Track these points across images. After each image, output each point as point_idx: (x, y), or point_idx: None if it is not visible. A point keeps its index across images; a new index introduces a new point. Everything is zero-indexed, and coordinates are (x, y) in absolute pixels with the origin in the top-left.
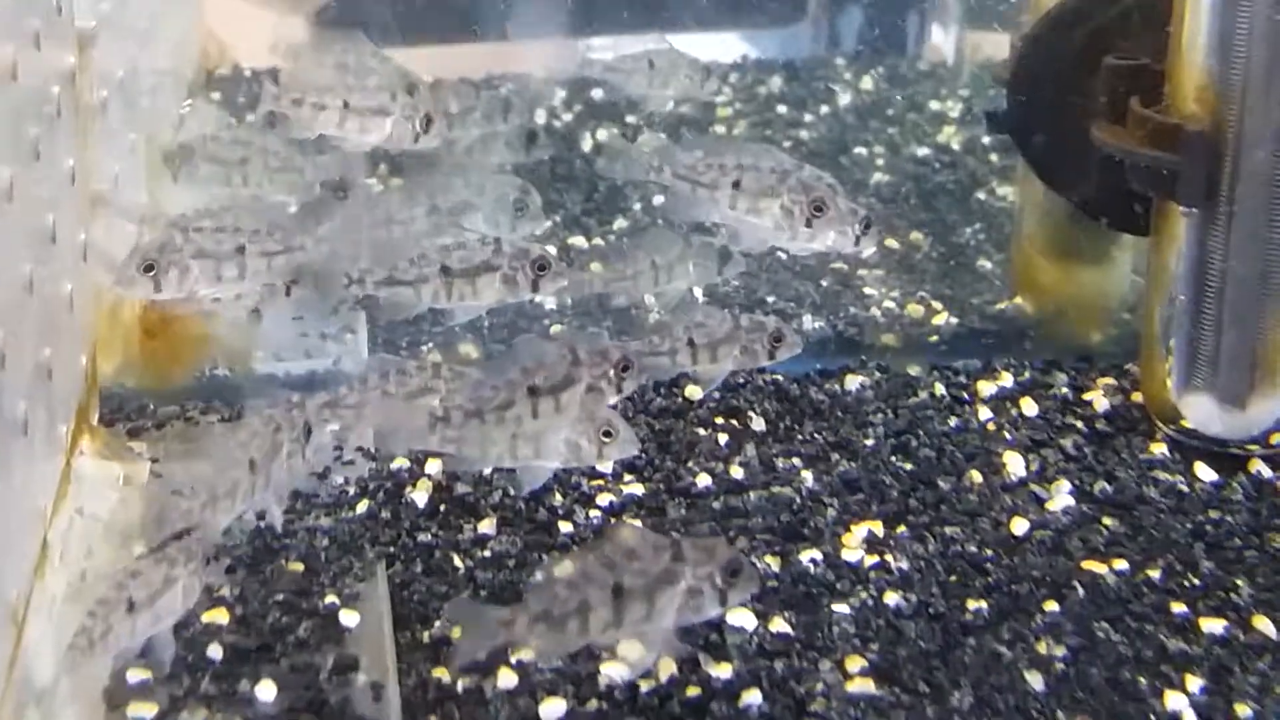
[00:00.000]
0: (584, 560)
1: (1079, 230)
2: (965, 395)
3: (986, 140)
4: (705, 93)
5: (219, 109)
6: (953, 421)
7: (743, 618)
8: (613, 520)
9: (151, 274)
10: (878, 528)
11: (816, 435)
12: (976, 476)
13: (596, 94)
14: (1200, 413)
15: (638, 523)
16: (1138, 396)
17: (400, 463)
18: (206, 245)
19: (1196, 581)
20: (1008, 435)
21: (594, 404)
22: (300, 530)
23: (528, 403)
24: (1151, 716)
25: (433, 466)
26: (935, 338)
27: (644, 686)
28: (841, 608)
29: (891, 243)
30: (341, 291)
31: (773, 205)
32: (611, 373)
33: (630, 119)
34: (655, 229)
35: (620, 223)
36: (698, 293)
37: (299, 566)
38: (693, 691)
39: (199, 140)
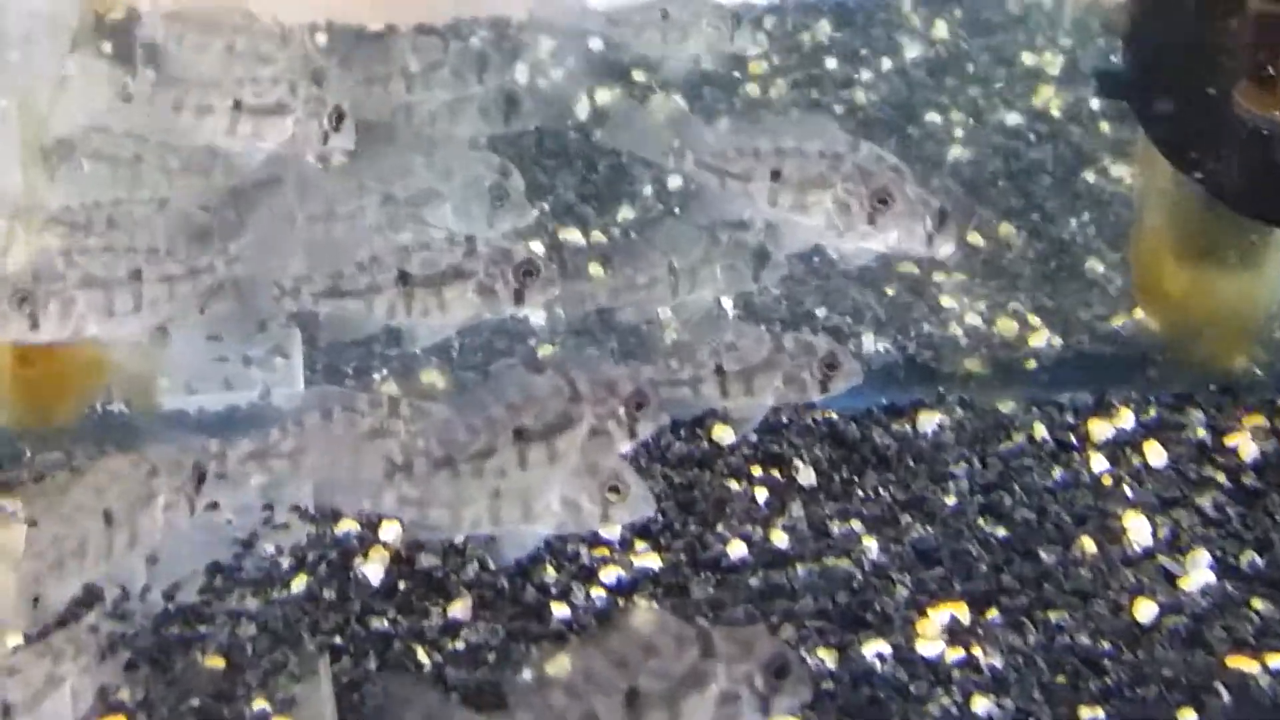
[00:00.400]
0: (586, 655)
1: (1218, 225)
2: (1073, 439)
3: (1096, 104)
4: (734, 45)
5: (111, 65)
6: (1058, 473)
7: None
8: (621, 602)
9: (27, 309)
10: (962, 612)
11: (882, 491)
12: (1089, 545)
13: (595, 44)
14: None
15: (654, 605)
16: None
17: (347, 526)
18: (94, 270)
19: None
20: (1129, 492)
21: (599, 451)
22: (219, 615)
23: (514, 449)
24: None
25: (389, 531)
26: (1033, 364)
27: None
28: (917, 718)
29: (975, 239)
30: (270, 305)
31: (823, 198)
32: (621, 411)
33: (638, 76)
34: (672, 221)
35: (626, 212)
36: (727, 304)
37: (219, 662)
38: None
39: (80, 131)
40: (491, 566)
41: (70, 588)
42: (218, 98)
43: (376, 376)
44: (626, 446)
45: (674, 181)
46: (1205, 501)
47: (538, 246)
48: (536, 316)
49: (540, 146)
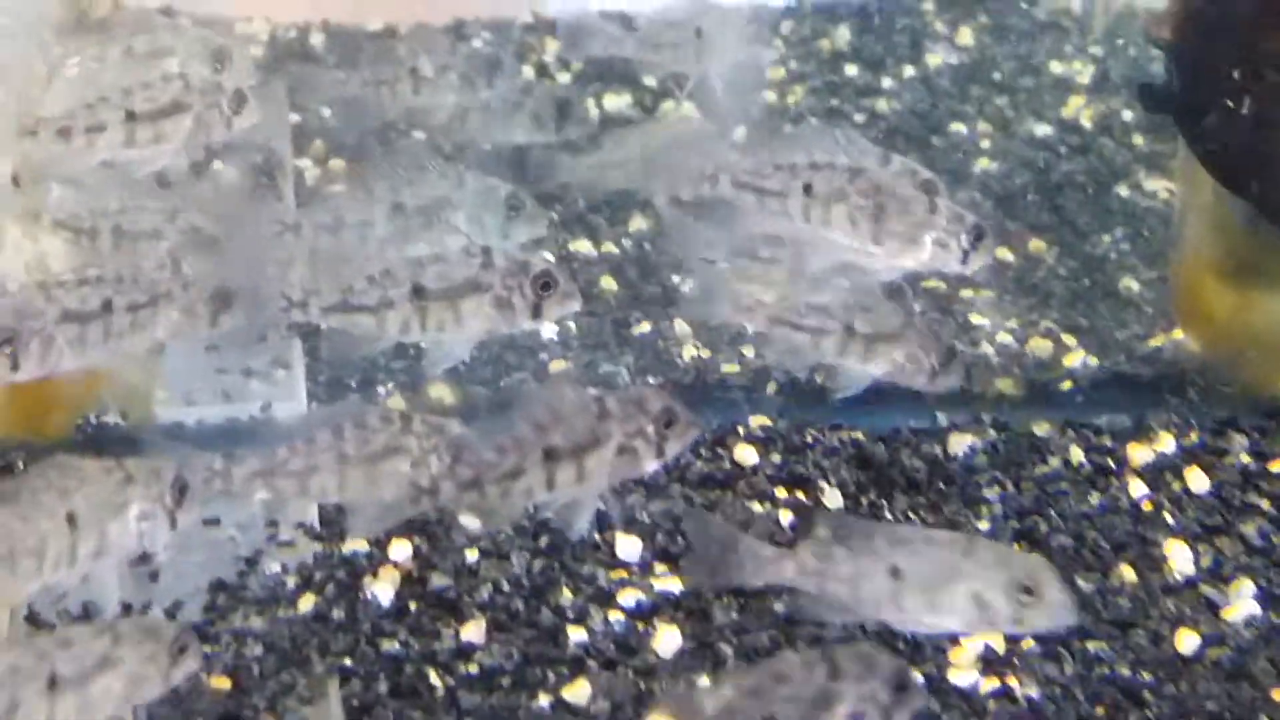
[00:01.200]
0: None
1: (1264, 243)
2: (1111, 463)
3: (1128, 116)
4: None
5: (99, 66)
6: (1095, 499)
7: None
8: (640, 626)
9: (8, 350)
10: (997, 642)
11: (911, 515)
12: (1129, 574)
13: (600, 48)
14: None
15: (675, 630)
16: None
17: (356, 545)
18: (71, 304)
19: None
20: (1170, 519)
21: (626, 468)
22: (224, 634)
23: (542, 469)
24: None
25: (399, 551)
26: (1069, 384)
27: None
28: None
29: (1005, 254)
30: (278, 315)
31: (848, 210)
32: (650, 429)
33: (648, 80)
34: None
35: (639, 223)
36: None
37: (225, 682)
38: None
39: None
40: (506, 587)
41: (22, 588)
42: (108, 112)
43: (382, 390)
44: (653, 465)
45: (685, 193)
46: (1250, 529)
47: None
48: (548, 330)
49: (549, 147)
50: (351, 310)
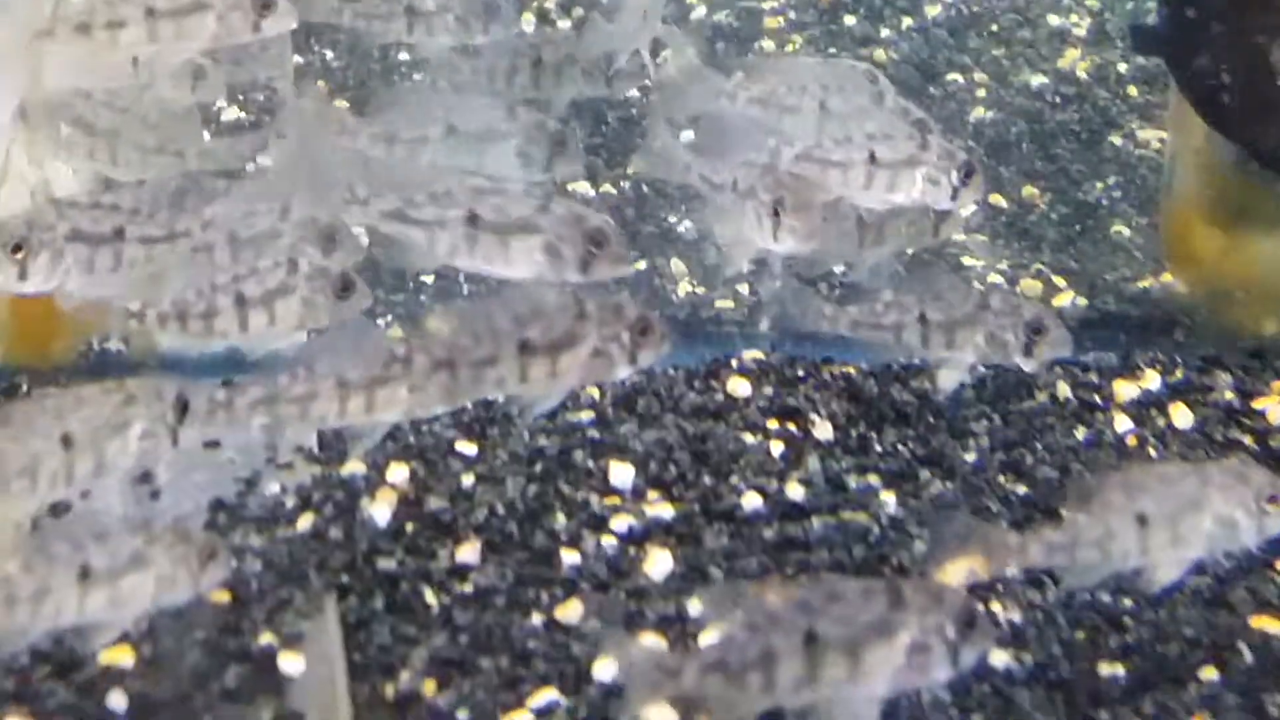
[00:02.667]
0: (770, 599)
1: (1253, 186)
2: (1098, 399)
3: (1123, 68)
4: None
5: None
6: (1081, 433)
7: None
8: (632, 549)
9: (18, 255)
10: (981, 568)
11: (900, 447)
12: None
13: None
14: None
15: (667, 553)
16: None
17: (354, 468)
18: (83, 224)
19: None
20: (1154, 453)
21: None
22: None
23: (517, 361)
24: None
25: (397, 473)
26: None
27: None
28: None
29: (998, 200)
30: (340, 209)
31: (850, 154)
32: (626, 335)
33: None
34: None
35: (638, 164)
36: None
37: (225, 596)
38: None
39: (64, 93)
40: (500, 510)
41: (20, 507)
42: (129, 8)
43: (381, 322)
44: (625, 370)
45: (685, 135)
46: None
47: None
48: None
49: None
50: (407, 221)
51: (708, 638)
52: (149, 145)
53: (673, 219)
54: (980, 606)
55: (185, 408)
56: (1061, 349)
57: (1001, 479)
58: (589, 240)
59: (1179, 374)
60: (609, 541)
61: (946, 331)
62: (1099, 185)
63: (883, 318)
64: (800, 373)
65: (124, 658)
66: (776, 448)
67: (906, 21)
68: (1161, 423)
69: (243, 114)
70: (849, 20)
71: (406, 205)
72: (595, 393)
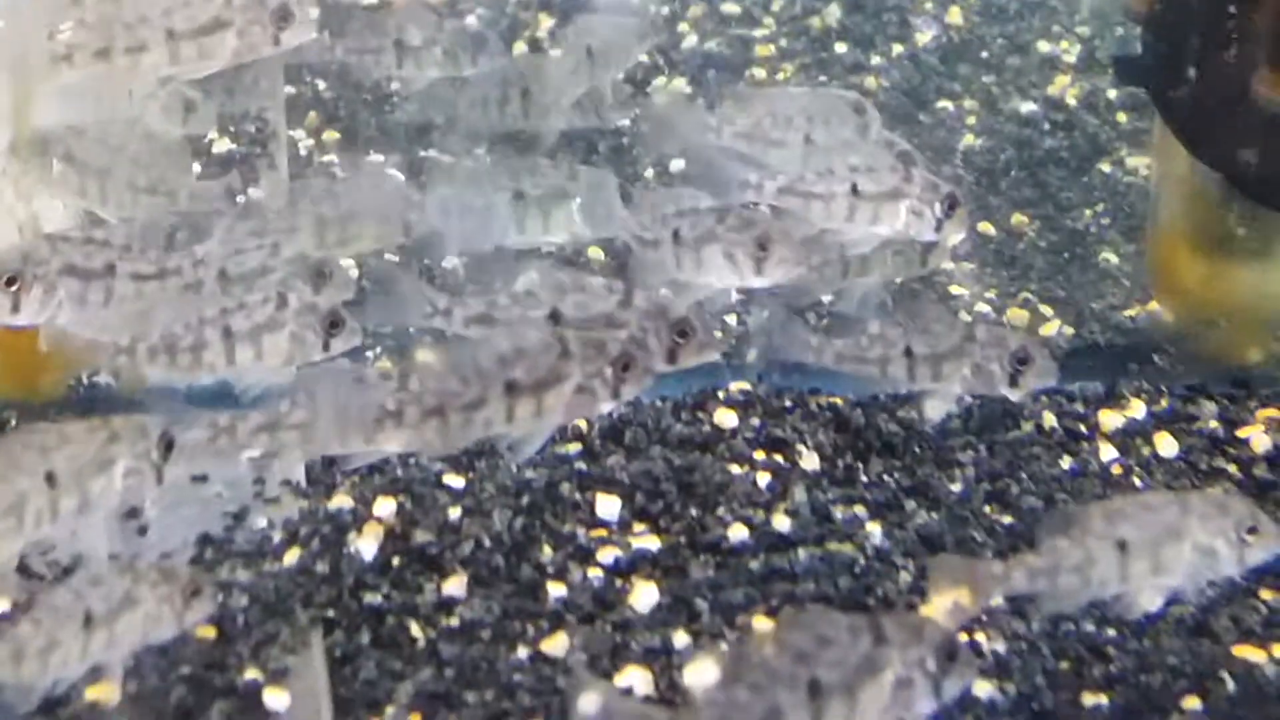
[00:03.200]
0: (765, 652)
1: (1235, 215)
2: (1083, 428)
3: (1113, 95)
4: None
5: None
6: (1066, 463)
7: None
8: (618, 582)
9: (12, 288)
10: (967, 599)
11: (887, 477)
12: None
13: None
14: None
15: (652, 586)
16: None
17: (341, 501)
18: (75, 259)
19: None
20: (1138, 482)
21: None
22: (211, 585)
23: (503, 402)
24: None
25: (384, 507)
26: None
27: None
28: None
29: (986, 228)
30: (420, 319)
31: (831, 187)
32: (609, 371)
33: (640, 58)
34: None
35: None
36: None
37: (210, 631)
38: None
39: (58, 127)
40: (486, 543)
41: (4, 545)
42: (149, 32)
43: (369, 355)
44: (609, 406)
45: (676, 164)
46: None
47: None
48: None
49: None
50: (493, 324)
51: (693, 672)
52: (140, 185)
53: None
54: (963, 637)
55: (170, 446)
56: (1047, 379)
57: (987, 509)
58: (673, 332)
59: (1164, 403)
60: (595, 574)
61: (932, 364)
62: (1088, 213)
63: (868, 351)
64: (788, 403)
65: (108, 694)
66: (763, 479)
67: (897, 48)
68: (1146, 451)
69: (234, 145)
70: (840, 48)
71: (491, 308)
72: (583, 424)
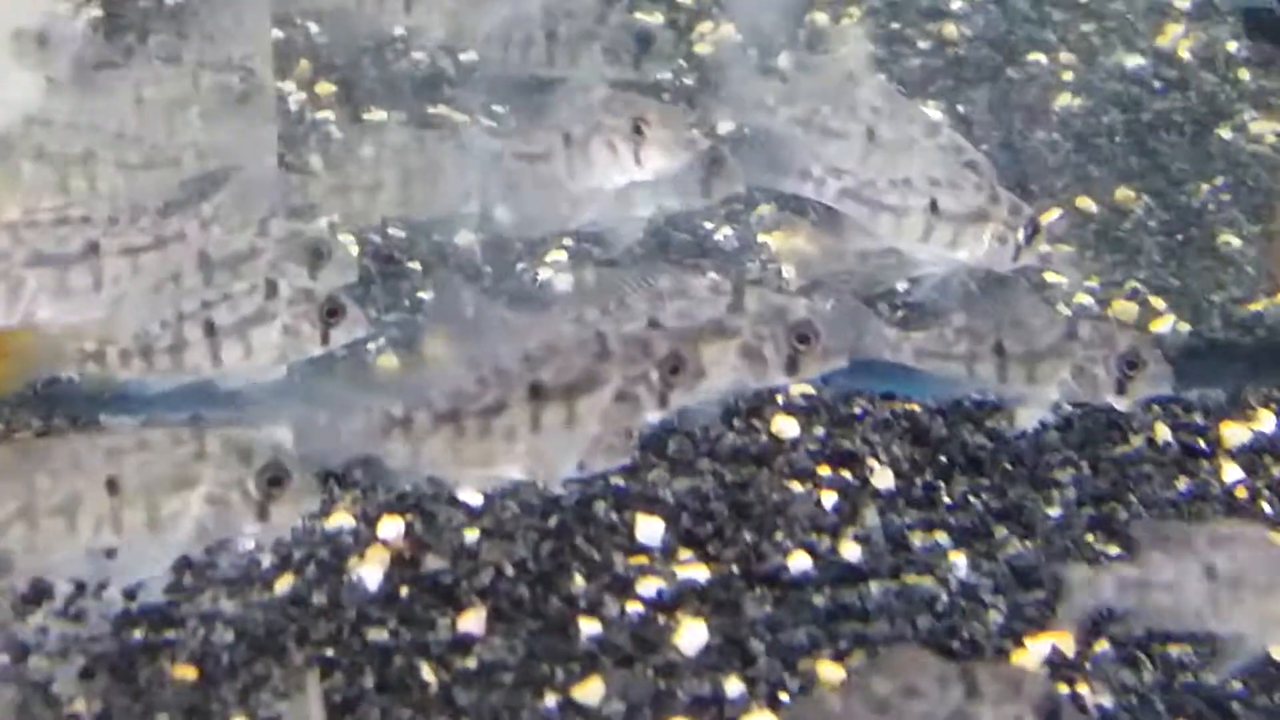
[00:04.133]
0: (847, 700)
1: None
2: (1202, 443)
3: (1233, 47)
4: None
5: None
6: (1183, 483)
7: None
8: (661, 618)
9: None
10: (1066, 643)
11: (972, 499)
12: None
13: None
14: None
15: (700, 624)
16: None
17: (341, 520)
18: (45, 245)
19: None
20: (1268, 507)
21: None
22: (190, 617)
23: (527, 407)
24: None
25: (390, 528)
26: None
27: None
28: None
29: (1086, 204)
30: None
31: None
32: (655, 375)
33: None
34: None
35: None
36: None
37: (190, 672)
38: None
39: (16, 126)
40: (509, 570)
41: (59, 550)
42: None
43: (371, 346)
44: (655, 416)
45: (724, 126)
46: None
47: None
48: (563, 282)
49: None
50: None
51: None
52: (132, 161)
53: (709, 226)
54: (1064, 689)
55: (277, 481)
56: (1160, 386)
57: (1090, 538)
58: (793, 337)
59: None
60: (634, 608)
61: (1027, 364)
62: (1204, 187)
63: (953, 347)
64: (856, 410)
65: None
66: (828, 499)
67: None
68: (1276, 471)
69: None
70: None
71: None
72: None
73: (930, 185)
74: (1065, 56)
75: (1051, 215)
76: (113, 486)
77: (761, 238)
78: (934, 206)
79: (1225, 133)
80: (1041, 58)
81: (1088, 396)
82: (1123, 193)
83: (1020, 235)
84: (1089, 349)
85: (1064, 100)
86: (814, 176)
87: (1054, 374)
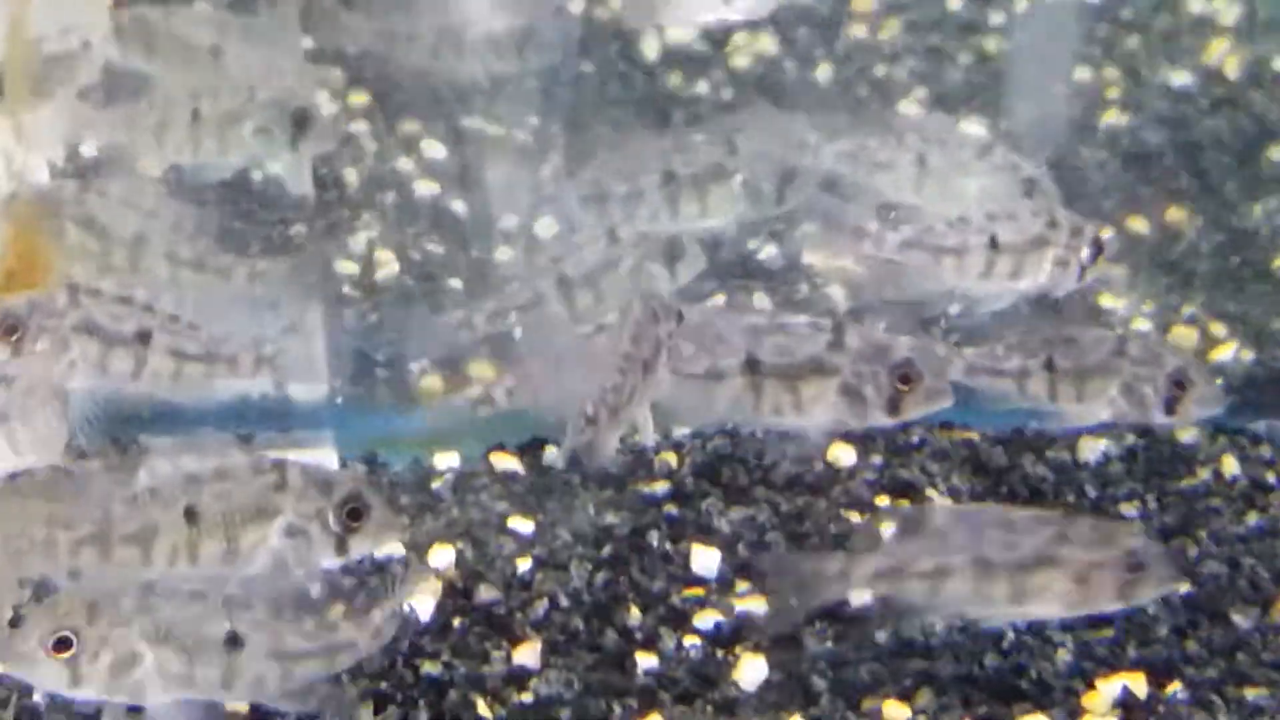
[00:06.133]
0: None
1: None
2: (1271, 478)
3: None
4: None
5: None
6: (1253, 519)
7: None
8: (719, 652)
9: (14, 338)
10: (1138, 685)
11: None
12: None
13: None
14: None
15: (760, 659)
16: None
17: (390, 549)
18: (99, 317)
19: None
20: None
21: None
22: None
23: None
24: None
25: (441, 557)
26: (1219, 382)
27: None
28: None
29: (1137, 224)
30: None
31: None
32: (884, 378)
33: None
34: None
35: None
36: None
37: (241, 707)
38: None
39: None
40: (563, 602)
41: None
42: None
43: (414, 367)
44: (881, 420)
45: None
46: None
47: None
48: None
49: (603, 91)
50: (682, 376)
51: None
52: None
53: (752, 245)
54: None
55: (356, 512)
56: (1210, 406)
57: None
58: (895, 376)
59: None
60: (692, 642)
61: (1077, 380)
62: (1258, 209)
63: (1004, 362)
64: (915, 438)
65: None
66: (888, 529)
67: (1021, 4)
68: None
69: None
70: (953, 2)
71: (677, 362)
72: (672, 459)
73: (988, 220)
74: (1110, 73)
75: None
76: (191, 515)
77: (807, 257)
78: (993, 242)
79: (1277, 153)
80: (1085, 74)
81: (1136, 415)
82: (1174, 213)
83: (1084, 255)
84: (1138, 366)
85: (1110, 117)
86: (871, 233)
87: (1103, 391)
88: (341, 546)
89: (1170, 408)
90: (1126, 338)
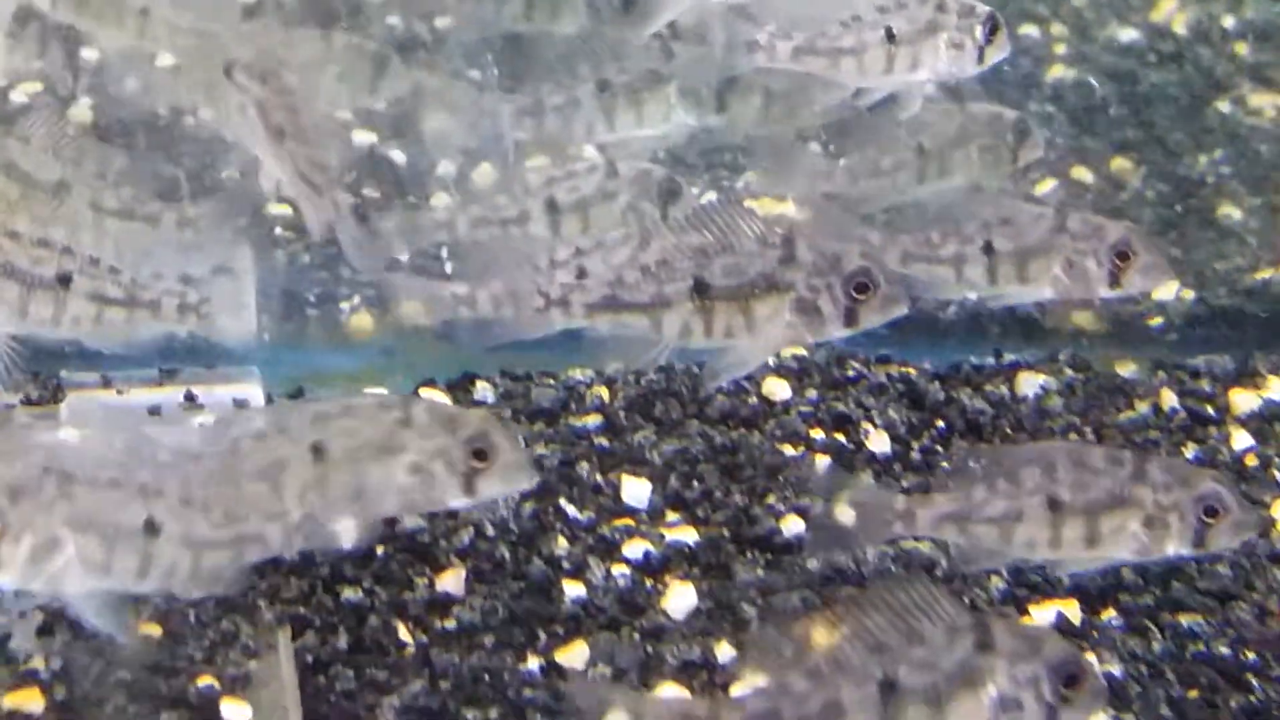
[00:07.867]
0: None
1: None
2: (1210, 410)
3: (1229, 23)
4: None
5: None
6: (1191, 451)
7: None
8: (648, 581)
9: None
10: (1073, 611)
11: (972, 464)
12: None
13: None
14: None
15: (689, 587)
16: None
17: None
18: (19, 261)
19: None
20: (1279, 475)
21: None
22: None
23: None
24: None
25: None
26: (1159, 320)
27: None
28: None
29: (1082, 173)
30: (531, 319)
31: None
32: (839, 288)
33: None
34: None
35: None
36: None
37: (154, 629)
38: None
39: None
40: (490, 530)
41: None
42: None
43: (346, 306)
44: (838, 332)
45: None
46: None
47: None
48: None
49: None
50: (621, 309)
51: (740, 689)
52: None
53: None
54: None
55: (482, 452)
56: (1158, 278)
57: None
58: (850, 286)
59: None
60: (620, 571)
61: (1018, 262)
62: (1202, 159)
63: (940, 249)
64: (850, 372)
65: (32, 702)
66: (822, 462)
67: None
68: None
69: None
70: None
71: (616, 289)
72: (604, 392)
73: (880, 13)
74: (1058, 29)
75: (1047, 186)
76: (318, 452)
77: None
78: (889, 35)
79: (1223, 106)
80: (1033, 30)
81: (1080, 293)
82: (1119, 163)
83: (979, 34)
84: (1079, 241)
85: (1056, 72)
86: (762, 44)
87: (1046, 270)
88: (469, 486)
89: (1115, 281)
90: (1066, 213)
